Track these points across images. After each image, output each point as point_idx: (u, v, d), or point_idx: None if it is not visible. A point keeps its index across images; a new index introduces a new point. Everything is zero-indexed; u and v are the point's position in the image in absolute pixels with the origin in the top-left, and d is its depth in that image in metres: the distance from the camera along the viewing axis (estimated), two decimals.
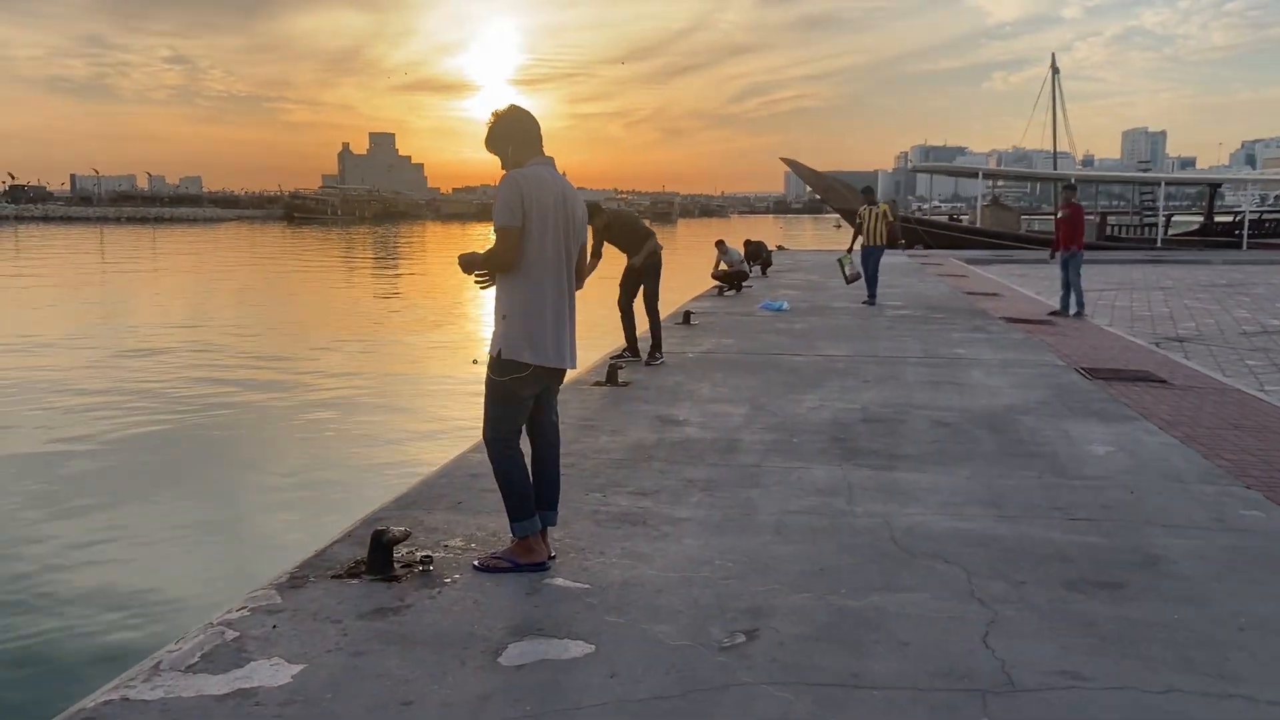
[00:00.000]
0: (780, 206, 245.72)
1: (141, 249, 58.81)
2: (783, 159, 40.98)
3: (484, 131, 4.52)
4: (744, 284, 18.85)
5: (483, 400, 4.45)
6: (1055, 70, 55.74)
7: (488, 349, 4.45)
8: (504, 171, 4.49)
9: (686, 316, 13.55)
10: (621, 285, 10.25)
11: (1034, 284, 20.72)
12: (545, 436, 4.62)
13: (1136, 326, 14.49)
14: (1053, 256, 15.69)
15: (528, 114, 4.55)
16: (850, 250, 16.26)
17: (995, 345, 11.53)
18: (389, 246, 66.92)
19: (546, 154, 4.55)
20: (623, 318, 10.33)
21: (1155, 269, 26.92)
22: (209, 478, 10.23)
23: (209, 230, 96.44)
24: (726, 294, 18.23)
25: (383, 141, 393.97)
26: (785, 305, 15.41)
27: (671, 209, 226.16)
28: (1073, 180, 17.71)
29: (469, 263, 4.41)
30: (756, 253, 22.98)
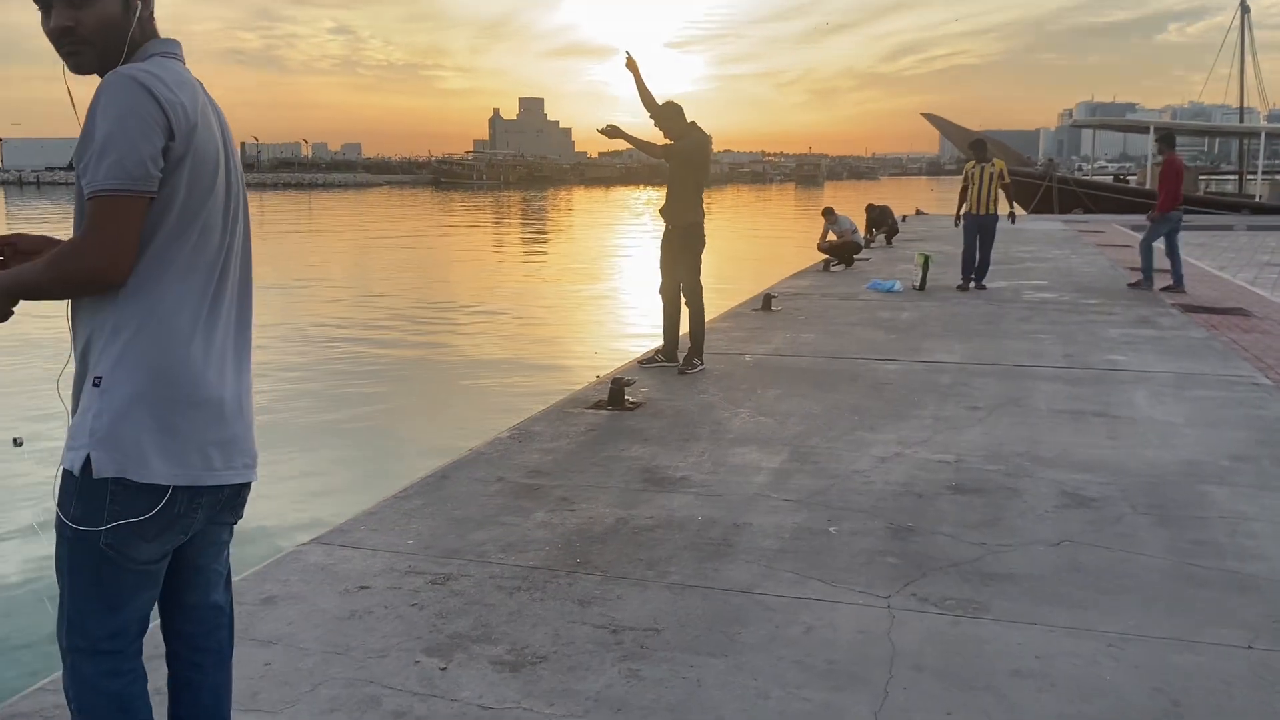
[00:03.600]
0: (934, 168, 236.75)
1: (299, 212, 61.42)
2: (925, 115, 37.26)
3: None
4: (856, 256, 16.06)
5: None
6: (1245, 9, 49.58)
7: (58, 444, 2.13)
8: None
9: (766, 301, 10.97)
10: (661, 259, 7.81)
11: (1216, 256, 17.15)
12: (197, 641, 2.27)
13: None
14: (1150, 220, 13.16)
15: None
16: (958, 220, 12.87)
17: (1167, 349, 8.56)
18: (527, 210, 66.88)
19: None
20: (664, 307, 7.89)
21: (1246, 237, 22.54)
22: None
23: (360, 195, 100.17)
24: (834, 268, 15.49)
25: (532, 106, 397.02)
26: (897, 286, 12.62)
27: (818, 171, 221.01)
28: (1166, 130, 14.09)
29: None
30: (880, 219, 20.07)
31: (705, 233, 7.68)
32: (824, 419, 6.19)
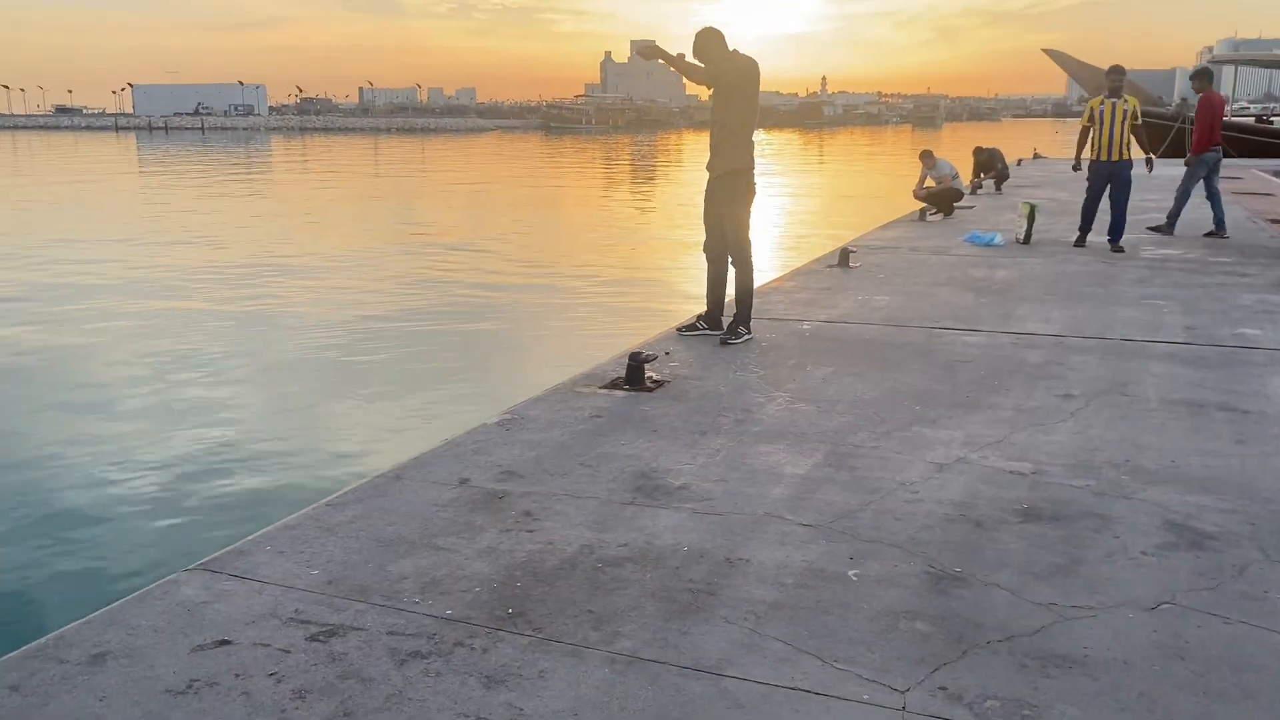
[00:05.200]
0: (1060, 109, 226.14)
1: (412, 156, 62.80)
2: (1046, 50, 34.65)
3: None
4: (958, 204, 14.65)
5: None
6: None
7: None
8: None
9: (844, 256, 9.81)
10: (705, 212, 6.79)
11: None
12: None
13: None
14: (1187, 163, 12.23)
15: None
16: (1078, 164, 11.37)
17: None
18: (634, 154, 66.40)
19: None
20: (708, 267, 6.88)
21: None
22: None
23: (470, 139, 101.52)
24: (931, 217, 14.14)
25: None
26: (998, 239, 11.28)
27: (936, 113, 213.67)
28: (1202, 67, 12.07)
29: None
30: (988, 163, 18.48)
31: (755, 180, 6.61)
32: (877, 408, 5.13)
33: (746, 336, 6.61)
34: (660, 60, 6.56)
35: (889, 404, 5.19)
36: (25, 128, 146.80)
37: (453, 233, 23.08)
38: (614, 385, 5.56)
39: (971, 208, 15.47)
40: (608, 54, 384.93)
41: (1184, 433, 4.70)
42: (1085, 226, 11.22)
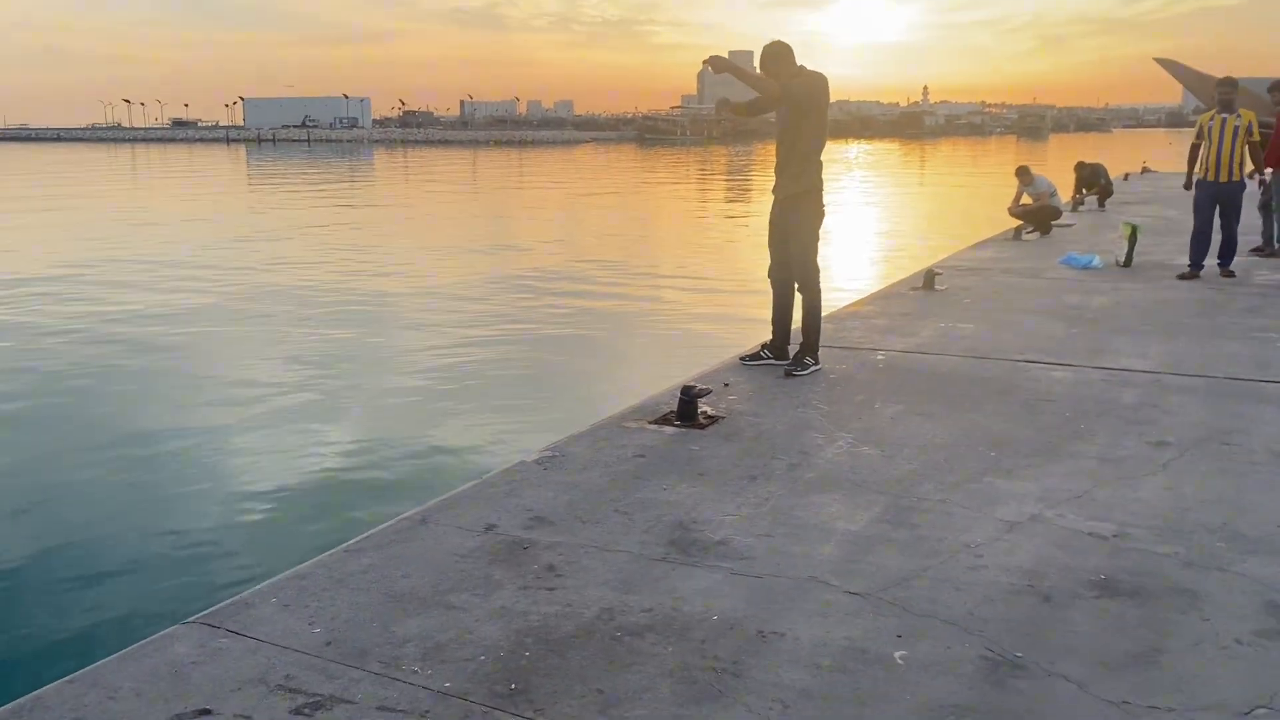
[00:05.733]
0: (1174, 119, 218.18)
1: (504, 169, 63.91)
2: (1159, 60, 33.24)
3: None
4: (1056, 223, 13.99)
5: None
6: None
7: None
8: None
9: (929, 278, 9.36)
10: (769, 236, 6.48)
11: None
12: None
13: None
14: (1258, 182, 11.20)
15: None
16: (1189, 183, 10.23)
17: None
18: (729, 165, 66.29)
19: None
20: (774, 294, 6.56)
21: None
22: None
23: (565, 151, 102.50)
24: (1027, 236, 13.52)
25: (742, 60, 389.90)
26: (1097, 261, 10.66)
27: (1042, 123, 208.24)
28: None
29: None
30: (1091, 179, 17.71)
31: (824, 202, 6.27)
32: (948, 454, 4.74)
33: (814, 368, 6.26)
34: (731, 74, 6.22)
35: (961, 449, 4.80)
36: (144, 140, 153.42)
37: (528, 247, 23.07)
38: (664, 420, 5.27)
39: (1071, 225, 14.78)
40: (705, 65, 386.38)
41: None
42: (1196, 258, 10.07)
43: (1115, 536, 3.76)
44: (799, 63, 6.13)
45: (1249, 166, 10.30)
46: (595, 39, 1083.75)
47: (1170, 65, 32.78)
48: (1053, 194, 13.68)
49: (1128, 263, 10.58)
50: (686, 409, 5.24)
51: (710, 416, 5.32)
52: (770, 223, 6.40)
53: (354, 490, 7.32)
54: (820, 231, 6.29)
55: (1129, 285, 9.52)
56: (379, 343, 12.43)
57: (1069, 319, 7.90)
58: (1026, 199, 13.72)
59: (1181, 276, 9.97)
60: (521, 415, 9.16)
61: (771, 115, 6.35)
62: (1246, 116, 9.90)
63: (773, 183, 6.36)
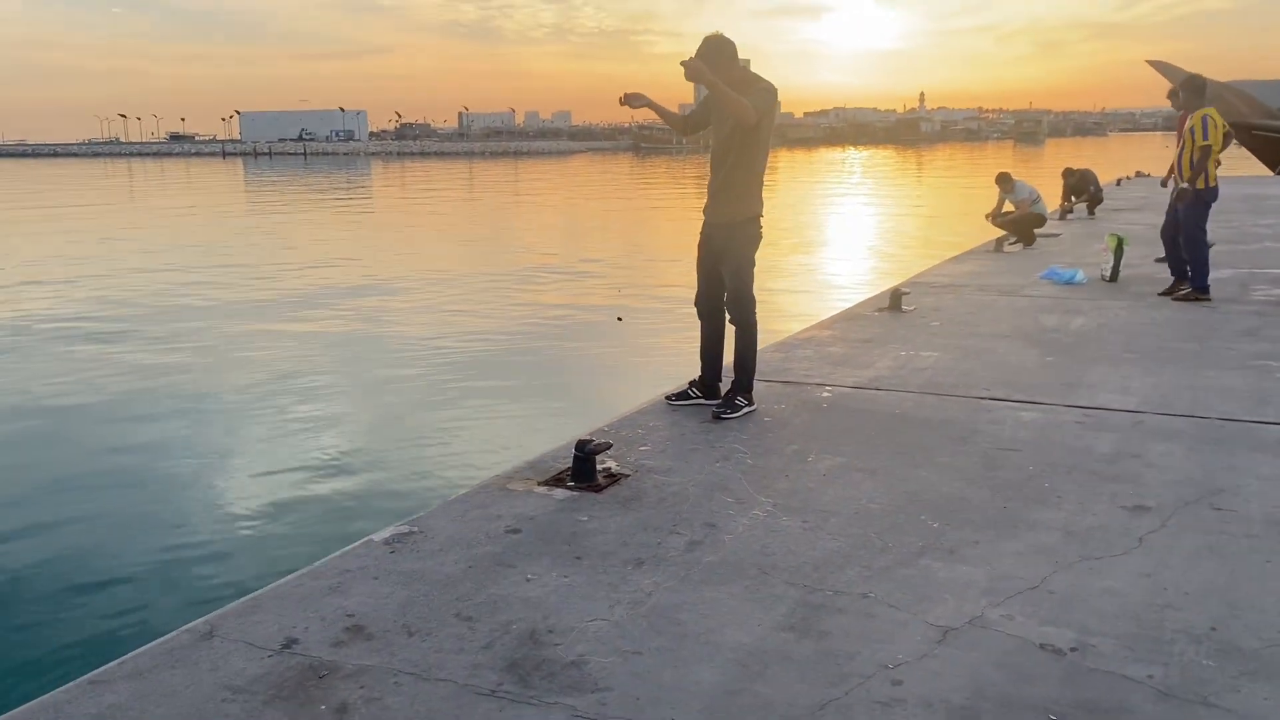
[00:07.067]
0: (1171, 122, 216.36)
1: (500, 179, 63.57)
2: (1151, 62, 32.46)
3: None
4: (1040, 231, 13.21)
5: None
6: None
7: None
8: None
9: (895, 298, 8.57)
10: (698, 261, 5.68)
11: None
12: None
13: None
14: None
15: None
16: (1173, 193, 9.08)
17: None
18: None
19: None
20: (702, 326, 5.76)
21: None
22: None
23: (561, 161, 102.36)
24: (1009, 247, 12.74)
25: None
26: (1080, 276, 9.88)
27: (1038, 128, 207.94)
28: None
29: None
30: (1080, 186, 16.96)
31: (761, 227, 5.48)
32: (883, 525, 3.94)
33: (746, 409, 5.47)
34: (707, 86, 5.27)
35: (900, 518, 4.00)
36: (141, 155, 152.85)
37: (494, 260, 22.31)
38: (557, 480, 4.48)
39: (1057, 235, 14.02)
40: None
41: None
42: (1173, 267, 9.15)
43: (1074, 650, 2.97)
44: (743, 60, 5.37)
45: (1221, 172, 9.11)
46: (592, 49, 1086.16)
47: (1164, 67, 32.06)
48: (1035, 200, 12.89)
49: (1114, 277, 9.79)
50: (582, 468, 4.45)
51: (612, 475, 4.52)
52: (700, 247, 5.61)
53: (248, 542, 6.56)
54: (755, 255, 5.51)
55: (1113, 304, 8.72)
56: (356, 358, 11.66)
57: (1044, 344, 7.11)
58: (1009, 207, 12.94)
59: (1163, 293, 9.06)
60: (413, 470, 8.28)
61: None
62: (1194, 118, 8.73)
63: (704, 203, 5.57)
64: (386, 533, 3.95)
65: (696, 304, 5.67)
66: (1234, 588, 3.35)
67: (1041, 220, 13.08)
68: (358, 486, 7.55)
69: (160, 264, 21.85)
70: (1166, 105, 10.26)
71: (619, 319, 4.90)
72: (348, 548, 3.84)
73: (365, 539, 3.90)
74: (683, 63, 5.04)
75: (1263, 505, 4.07)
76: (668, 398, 5.75)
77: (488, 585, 3.47)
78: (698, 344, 5.74)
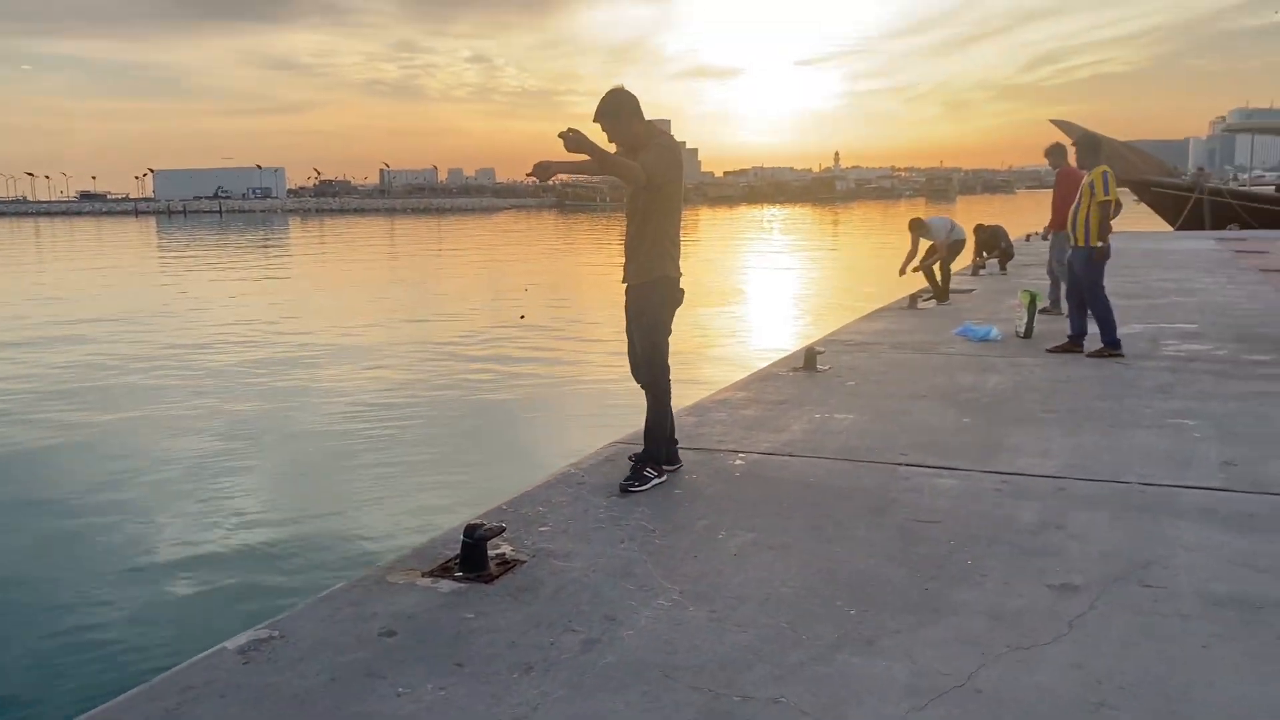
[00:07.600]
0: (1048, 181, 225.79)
1: (419, 237, 62.62)
2: (1054, 121, 33.54)
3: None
4: (954, 290, 13.22)
5: None
6: None
7: None
8: None
9: (809, 357, 8.36)
10: (628, 328, 5.35)
11: None
12: None
13: None
14: None
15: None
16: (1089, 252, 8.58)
17: None
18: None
19: None
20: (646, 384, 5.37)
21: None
22: None
23: (485, 218, 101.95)
24: (923, 303, 12.70)
25: (662, 126, 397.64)
26: (995, 333, 9.81)
27: (949, 185, 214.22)
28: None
29: None
30: (991, 242, 17.11)
31: (680, 289, 5.20)
32: (796, 613, 3.62)
33: (655, 481, 5.14)
34: (588, 155, 4.91)
35: (814, 605, 3.68)
36: (49, 214, 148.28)
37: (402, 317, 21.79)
38: (445, 570, 4.08)
39: (971, 291, 14.07)
40: None
41: (1239, 663, 3.18)
42: (1071, 323, 9.05)
43: None
44: (648, 117, 5.14)
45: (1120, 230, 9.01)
46: (516, 108, 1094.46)
47: (1065, 126, 33.11)
48: (950, 228, 12.83)
49: (1028, 334, 9.74)
50: (471, 555, 4.06)
51: (505, 562, 4.14)
52: (625, 311, 5.30)
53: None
54: (671, 324, 5.21)
55: (1029, 360, 8.63)
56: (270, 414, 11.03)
57: (961, 405, 6.93)
58: (925, 245, 12.89)
59: (1085, 351, 8.89)
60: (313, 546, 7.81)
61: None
62: (1094, 174, 8.60)
63: (623, 267, 5.28)
64: (242, 638, 3.51)
65: (631, 354, 5.32)
66: (1169, 678, 3.09)
67: (962, 245, 13.12)
68: (226, 579, 6.86)
69: (39, 334, 20.87)
70: (1072, 163, 10.34)
71: (525, 289, 4.59)
72: (195, 658, 3.38)
73: (218, 647, 3.45)
74: (560, 134, 4.70)
75: (1191, 579, 3.85)
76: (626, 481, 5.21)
77: (350, 702, 3.05)
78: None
